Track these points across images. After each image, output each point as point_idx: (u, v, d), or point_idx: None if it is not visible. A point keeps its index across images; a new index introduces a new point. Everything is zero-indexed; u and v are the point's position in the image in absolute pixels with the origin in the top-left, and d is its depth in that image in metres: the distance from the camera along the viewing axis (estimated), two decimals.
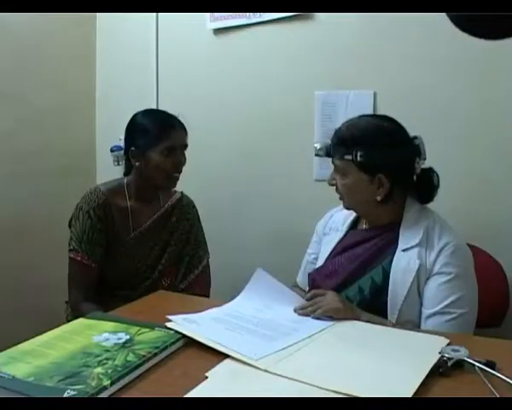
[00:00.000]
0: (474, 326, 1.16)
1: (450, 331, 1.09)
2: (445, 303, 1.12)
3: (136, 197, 1.54)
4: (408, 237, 1.20)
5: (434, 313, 1.13)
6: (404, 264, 1.17)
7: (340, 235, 1.35)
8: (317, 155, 1.32)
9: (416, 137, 1.23)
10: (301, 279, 1.49)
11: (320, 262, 1.36)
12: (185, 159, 1.52)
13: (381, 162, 1.19)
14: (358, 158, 1.19)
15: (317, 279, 1.30)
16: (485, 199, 1.72)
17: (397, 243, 1.20)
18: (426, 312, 1.15)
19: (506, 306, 1.57)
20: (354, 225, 1.37)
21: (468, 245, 1.23)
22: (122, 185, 1.54)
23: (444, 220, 1.24)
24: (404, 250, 1.19)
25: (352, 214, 1.37)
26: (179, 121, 1.51)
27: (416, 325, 1.15)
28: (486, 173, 1.71)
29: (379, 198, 1.21)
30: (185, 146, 1.53)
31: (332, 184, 1.28)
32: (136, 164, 1.49)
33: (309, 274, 1.35)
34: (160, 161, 1.45)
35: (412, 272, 1.15)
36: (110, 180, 1.58)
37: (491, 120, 1.70)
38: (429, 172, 1.25)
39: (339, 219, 1.40)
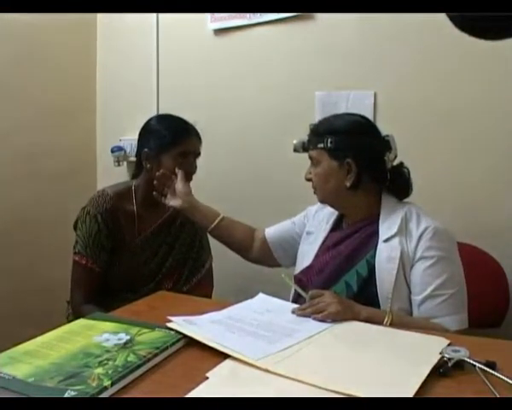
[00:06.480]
0: (467, 305, 1.17)
1: (444, 313, 1.12)
2: (434, 286, 1.14)
3: (143, 202, 1.53)
4: (387, 228, 1.22)
5: (425, 298, 1.15)
6: (386, 254, 1.19)
7: (323, 234, 1.36)
8: (295, 150, 1.38)
9: (387, 135, 1.28)
10: (271, 233, 1.49)
11: (305, 262, 1.36)
12: (196, 168, 1.51)
13: (349, 147, 1.24)
14: (329, 144, 1.24)
15: (304, 279, 1.30)
16: (485, 199, 1.72)
17: (378, 236, 1.23)
18: (417, 299, 1.16)
19: (506, 306, 1.57)
20: (336, 225, 1.37)
21: (469, 245, 1.24)
22: (130, 189, 1.53)
23: (420, 208, 1.27)
24: (385, 241, 1.21)
25: (334, 213, 1.38)
26: (195, 129, 1.51)
27: (409, 313, 1.17)
28: (487, 174, 1.71)
29: (348, 184, 1.25)
30: (198, 154, 1.52)
31: (308, 179, 1.32)
32: (148, 166, 1.47)
33: (295, 276, 1.35)
34: (172, 166, 1.44)
35: (396, 260, 1.17)
36: (117, 183, 1.57)
37: (492, 121, 1.70)
38: (400, 168, 1.30)
39: (323, 218, 1.41)
